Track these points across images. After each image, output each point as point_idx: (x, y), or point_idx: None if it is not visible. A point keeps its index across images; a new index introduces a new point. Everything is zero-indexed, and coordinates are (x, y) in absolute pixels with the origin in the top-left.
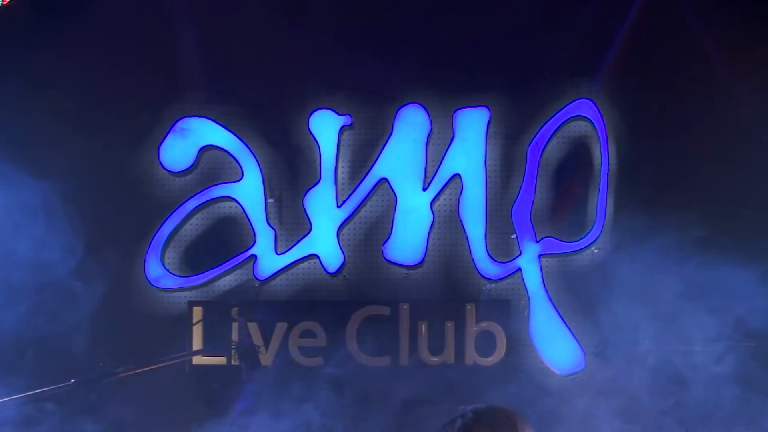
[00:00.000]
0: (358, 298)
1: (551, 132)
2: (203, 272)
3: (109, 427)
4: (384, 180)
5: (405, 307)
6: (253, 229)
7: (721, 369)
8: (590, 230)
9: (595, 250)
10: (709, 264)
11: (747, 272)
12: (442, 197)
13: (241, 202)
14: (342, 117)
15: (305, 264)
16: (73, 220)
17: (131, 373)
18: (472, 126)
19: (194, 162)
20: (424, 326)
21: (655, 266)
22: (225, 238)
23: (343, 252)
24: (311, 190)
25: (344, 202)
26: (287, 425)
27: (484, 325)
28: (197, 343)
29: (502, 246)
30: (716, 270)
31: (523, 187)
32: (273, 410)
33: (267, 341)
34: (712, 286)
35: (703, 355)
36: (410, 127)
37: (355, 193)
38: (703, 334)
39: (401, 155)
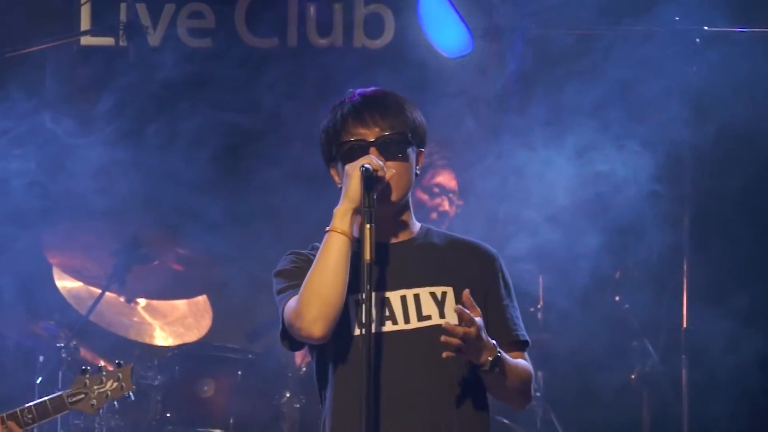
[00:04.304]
0: None
1: None
2: None
3: None
4: None
5: None
6: None
7: None
8: None
9: None
10: None
11: None
12: None
13: None
14: None
15: None
16: None
17: (19, 53)
18: None
19: None
20: (312, 7)
21: None
22: None
23: None
24: None
25: None
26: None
27: (372, 7)
28: (85, 23)
29: None
30: None
31: None
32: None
33: (155, 22)
34: None
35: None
36: None
37: None
38: None
39: None
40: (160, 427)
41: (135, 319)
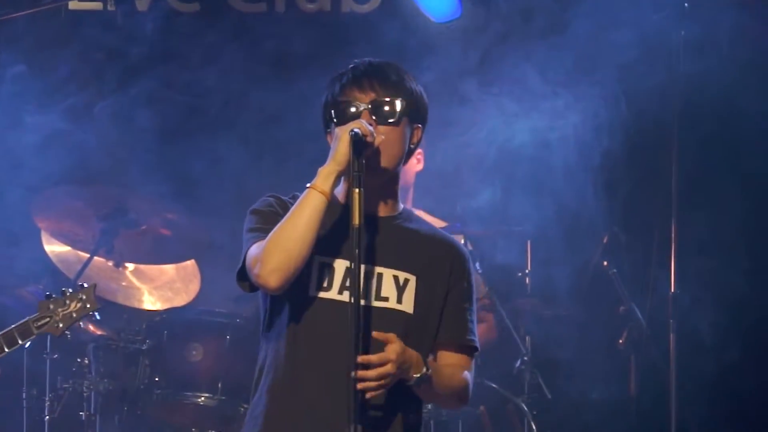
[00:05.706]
0: None
1: None
2: None
3: None
4: None
5: None
6: None
7: None
8: None
9: None
10: None
11: None
12: None
13: None
14: None
15: None
16: None
17: (9, 17)
18: None
19: None
20: None
21: None
22: None
23: None
24: None
25: None
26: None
27: None
28: None
29: None
30: None
31: None
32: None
33: None
34: None
35: None
36: None
37: None
38: None
39: None
40: (149, 391)
41: (123, 283)
